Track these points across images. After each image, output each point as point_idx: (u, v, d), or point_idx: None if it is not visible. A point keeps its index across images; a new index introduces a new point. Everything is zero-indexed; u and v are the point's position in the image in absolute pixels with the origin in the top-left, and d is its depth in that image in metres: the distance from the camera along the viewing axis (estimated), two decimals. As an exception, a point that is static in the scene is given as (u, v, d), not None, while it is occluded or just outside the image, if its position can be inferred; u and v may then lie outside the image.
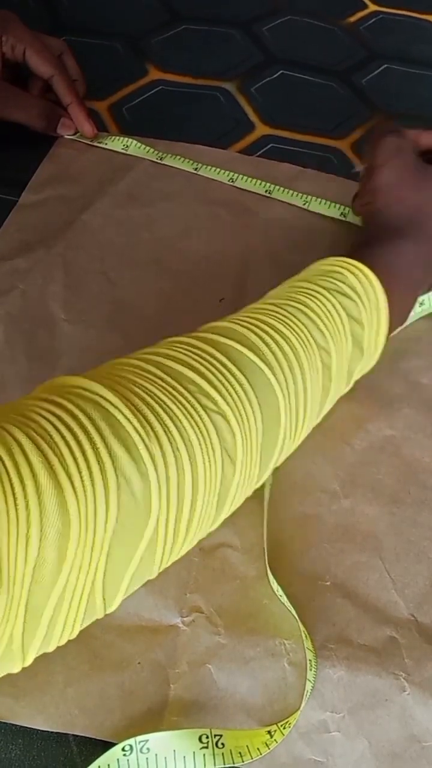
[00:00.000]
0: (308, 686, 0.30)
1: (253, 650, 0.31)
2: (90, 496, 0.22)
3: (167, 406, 0.26)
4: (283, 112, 0.58)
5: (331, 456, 0.38)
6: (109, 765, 0.28)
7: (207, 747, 0.28)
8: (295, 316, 0.32)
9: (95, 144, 0.53)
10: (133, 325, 0.43)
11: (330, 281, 0.34)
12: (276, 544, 0.34)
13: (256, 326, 0.31)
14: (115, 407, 0.25)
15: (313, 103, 0.59)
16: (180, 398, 0.26)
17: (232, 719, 0.30)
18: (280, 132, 0.56)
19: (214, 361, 0.29)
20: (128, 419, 0.25)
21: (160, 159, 0.52)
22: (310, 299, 0.33)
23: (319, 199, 0.50)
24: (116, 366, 0.28)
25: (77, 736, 0.29)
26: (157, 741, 0.28)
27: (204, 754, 0.28)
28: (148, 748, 0.28)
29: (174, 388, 0.27)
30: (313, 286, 0.34)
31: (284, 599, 0.32)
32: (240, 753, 0.28)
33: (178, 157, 0.52)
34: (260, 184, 0.51)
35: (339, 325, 0.32)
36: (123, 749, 0.28)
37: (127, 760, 0.28)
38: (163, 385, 0.27)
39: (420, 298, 0.41)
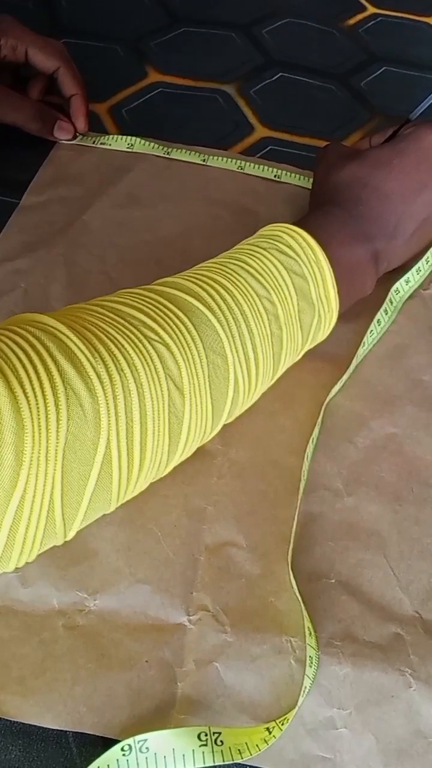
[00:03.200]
0: (306, 682, 0.30)
1: (260, 648, 0.31)
2: (41, 403, 0.25)
3: (113, 336, 0.29)
4: (283, 115, 0.58)
5: (334, 454, 0.38)
6: (108, 765, 0.28)
7: (206, 744, 0.28)
8: (234, 271, 0.34)
9: (98, 145, 0.54)
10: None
11: (268, 242, 0.37)
12: (280, 543, 0.34)
13: (198, 278, 0.34)
14: (66, 336, 0.28)
15: (312, 106, 0.59)
16: (125, 330, 0.29)
17: (240, 717, 0.30)
18: (279, 134, 0.56)
19: (158, 305, 0.31)
20: (77, 345, 0.27)
21: (167, 153, 0.53)
22: (250, 257, 0.35)
23: None
24: (72, 308, 0.32)
25: (77, 736, 0.29)
26: (156, 740, 0.28)
27: (203, 752, 0.28)
28: (147, 748, 0.28)
29: (119, 322, 0.30)
30: (252, 247, 0.36)
31: (297, 593, 0.32)
32: (239, 750, 0.28)
33: (185, 150, 0.53)
34: (269, 170, 0.52)
35: (279, 278, 0.34)
36: (122, 749, 0.28)
37: (127, 760, 0.28)
38: (111, 321, 0.30)
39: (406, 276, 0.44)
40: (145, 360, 0.29)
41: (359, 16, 0.69)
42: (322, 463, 0.37)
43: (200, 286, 0.33)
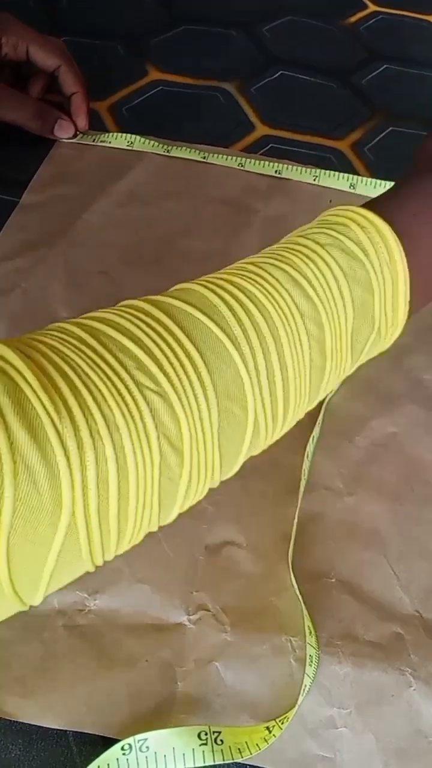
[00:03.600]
0: (306, 681, 0.30)
1: (260, 648, 0.31)
2: None
3: (91, 382, 0.22)
4: (283, 113, 0.58)
5: (334, 453, 0.38)
6: (108, 764, 0.28)
7: (206, 743, 0.28)
8: (276, 279, 0.27)
9: (98, 143, 0.53)
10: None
11: (330, 235, 0.28)
12: (280, 542, 0.34)
13: (224, 288, 0.26)
14: (24, 378, 0.21)
15: (313, 104, 0.59)
16: (108, 371, 0.23)
17: (240, 716, 0.30)
18: (280, 132, 0.56)
19: (162, 330, 0.24)
20: (37, 394, 0.21)
21: (167, 151, 0.53)
22: (300, 257, 0.28)
23: (328, 172, 0.52)
24: (45, 333, 0.25)
25: (77, 736, 0.29)
26: (157, 739, 0.28)
27: (203, 751, 0.28)
28: (147, 747, 0.28)
29: (103, 358, 0.23)
30: (307, 241, 0.29)
31: (297, 593, 0.32)
32: (239, 749, 0.28)
33: (185, 147, 0.53)
34: (270, 165, 0.52)
35: (335, 290, 0.27)
36: (122, 748, 0.28)
37: (127, 759, 0.28)
38: (92, 354, 0.23)
39: None
40: (132, 417, 0.22)
41: (360, 14, 0.69)
42: (322, 463, 0.37)
43: (224, 300, 0.26)
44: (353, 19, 0.68)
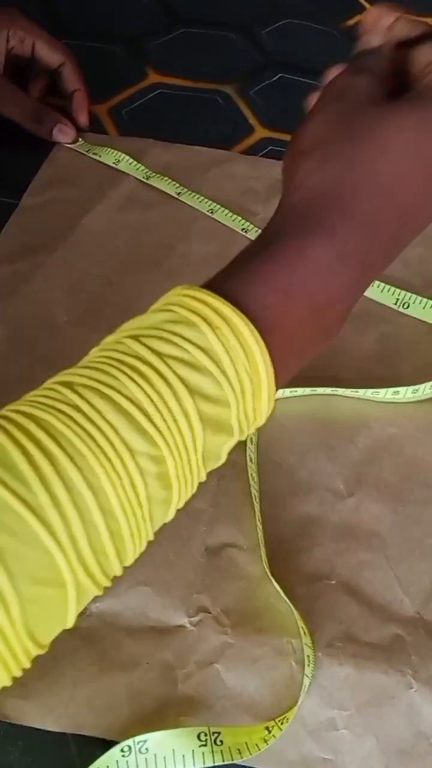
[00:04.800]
0: (306, 682, 0.30)
1: (261, 649, 0.31)
2: None
3: None
4: (283, 115, 0.58)
5: (334, 454, 0.38)
6: (108, 766, 0.28)
7: (206, 745, 0.28)
8: (96, 409, 0.22)
9: (90, 155, 0.53)
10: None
11: (171, 341, 0.23)
12: (280, 543, 0.34)
13: (26, 433, 0.21)
14: None
15: (312, 106, 0.59)
16: None
17: (240, 718, 0.30)
18: (279, 135, 0.56)
19: None
20: None
21: (146, 178, 0.52)
22: (132, 378, 0.22)
23: None
24: None
25: (76, 737, 0.29)
26: (156, 741, 0.28)
27: (203, 752, 0.28)
28: (146, 748, 0.28)
29: None
30: (144, 352, 0.22)
31: (282, 594, 0.32)
32: (239, 750, 0.28)
33: (165, 179, 0.51)
34: (238, 221, 0.49)
35: (178, 414, 0.22)
36: (122, 750, 0.28)
37: (126, 761, 0.28)
38: None
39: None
40: None
41: (359, 17, 0.69)
42: (322, 464, 0.37)
43: (25, 453, 0.20)
44: (352, 21, 0.69)
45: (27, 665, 0.22)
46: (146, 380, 0.22)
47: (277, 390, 0.24)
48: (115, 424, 0.21)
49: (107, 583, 0.23)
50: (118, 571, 0.23)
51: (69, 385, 0.23)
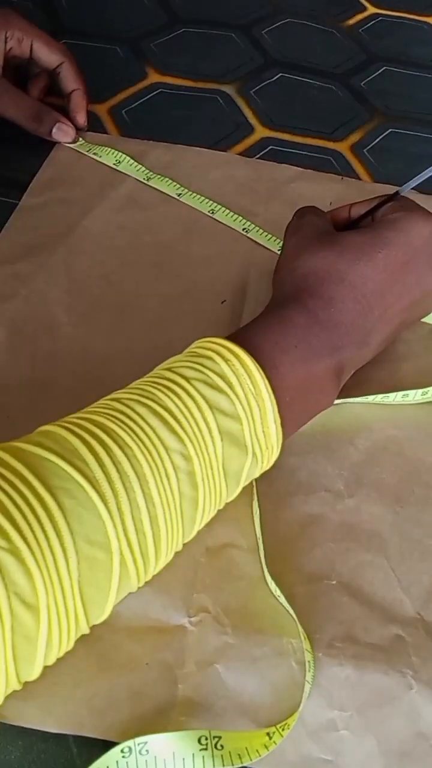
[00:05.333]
0: (306, 687, 0.30)
1: (261, 649, 0.31)
2: None
3: None
4: (283, 115, 0.58)
5: (335, 455, 0.38)
6: (108, 767, 0.28)
7: (206, 749, 0.28)
8: (138, 413, 0.28)
9: (90, 155, 0.53)
10: (136, 328, 0.43)
11: (195, 369, 0.30)
12: (281, 544, 0.34)
13: (84, 429, 0.27)
14: None
15: (312, 106, 0.59)
16: None
17: (241, 719, 0.30)
18: (279, 134, 0.56)
19: (17, 481, 0.25)
20: None
21: (147, 179, 0.52)
22: (166, 393, 0.29)
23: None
24: None
25: (77, 738, 0.29)
26: (157, 743, 0.28)
27: (203, 756, 0.28)
28: (147, 750, 0.28)
29: None
30: (173, 375, 0.30)
31: (282, 600, 0.32)
32: (239, 755, 0.28)
33: (166, 179, 0.51)
34: (240, 221, 0.49)
35: (201, 422, 0.28)
36: (122, 751, 0.28)
37: (126, 762, 0.28)
38: None
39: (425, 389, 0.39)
40: None
41: (359, 16, 0.69)
42: (322, 465, 0.37)
43: (84, 441, 0.26)
44: (352, 21, 0.69)
45: (78, 633, 0.26)
46: (176, 395, 0.29)
47: (284, 430, 0.30)
48: (154, 425, 0.28)
49: (143, 573, 0.27)
50: (152, 562, 0.27)
51: (116, 399, 0.29)
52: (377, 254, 0.34)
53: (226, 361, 0.30)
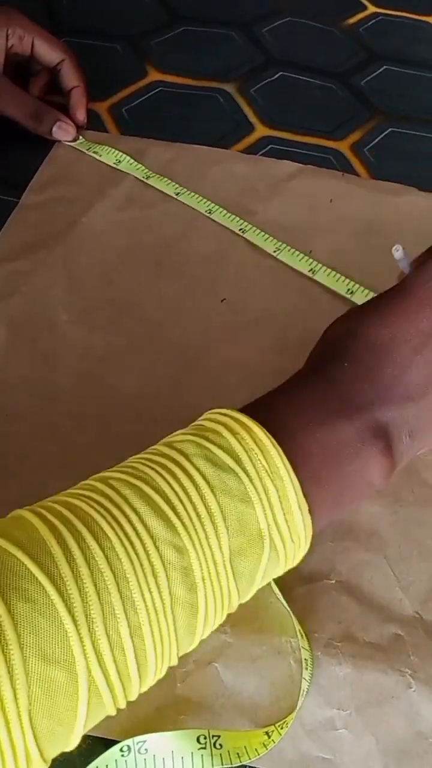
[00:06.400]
0: (304, 685, 0.30)
1: (260, 649, 0.31)
2: None
3: None
4: (283, 114, 0.58)
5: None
6: (107, 765, 0.28)
7: (205, 748, 0.28)
8: (122, 495, 0.23)
9: (91, 153, 0.53)
10: (135, 327, 0.43)
11: (197, 443, 0.25)
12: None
13: (58, 515, 0.23)
14: None
15: (312, 105, 0.59)
16: None
17: (239, 718, 0.30)
18: (279, 133, 0.56)
19: None
20: None
21: (146, 178, 0.51)
22: (156, 469, 0.24)
23: (325, 269, 0.46)
24: None
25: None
26: (156, 742, 0.28)
27: (202, 755, 0.28)
28: (146, 749, 0.28)
29: None
30: (170, 451, 0.25)
31: (281, 599, 0.32)
32: (238, 754, 0.28)
33: (164, 179, 0.51)
34: (236, 221, 0.49)
35: (200, 506, 0.23)
36: (121, 750, 0.28)
37: (125, 761, 0.28)
38: None
39: None
40: None
41: (359, 15, 0.69)
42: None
43: (53, 529, 0.22)
44: (353, 20, 0.68)
45: None
46: (172, 475, 0.24)
47: (314, 515, 0.25)
48: (140, 510, 0.23)
49: (122, 698, 0.22)
50: (134, 683, 0.22)
51: (103, 479, 0.25)
52: (389, 302, 0.29)
53: (234, 434, 0.25)
